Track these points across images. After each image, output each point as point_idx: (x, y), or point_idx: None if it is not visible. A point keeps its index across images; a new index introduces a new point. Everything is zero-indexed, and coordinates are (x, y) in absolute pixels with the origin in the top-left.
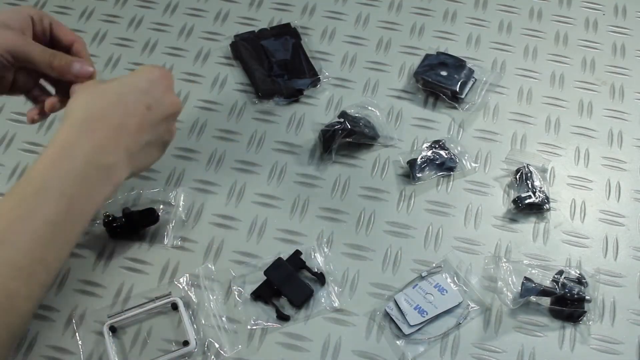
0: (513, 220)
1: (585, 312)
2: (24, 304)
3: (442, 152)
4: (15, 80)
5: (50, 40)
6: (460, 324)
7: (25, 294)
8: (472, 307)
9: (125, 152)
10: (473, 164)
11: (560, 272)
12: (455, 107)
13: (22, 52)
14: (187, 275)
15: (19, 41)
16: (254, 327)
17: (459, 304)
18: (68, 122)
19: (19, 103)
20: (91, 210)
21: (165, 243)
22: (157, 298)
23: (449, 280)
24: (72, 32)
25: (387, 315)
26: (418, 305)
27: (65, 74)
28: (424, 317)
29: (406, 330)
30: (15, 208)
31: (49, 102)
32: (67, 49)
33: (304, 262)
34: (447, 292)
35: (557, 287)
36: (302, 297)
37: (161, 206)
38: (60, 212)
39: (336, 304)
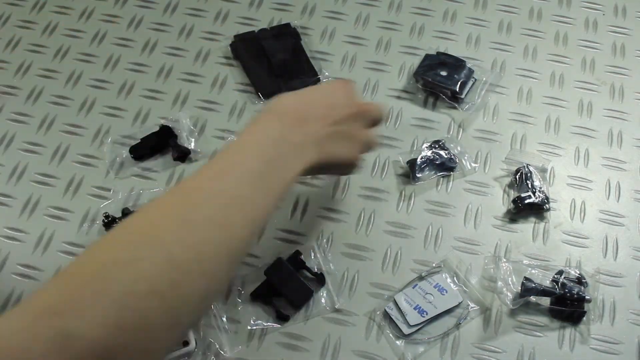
0: (513, 220)
1: (585, 312)
2: (241, 231)
3: (442, 152)
4: None
5: None
6: (460, 324)
7: (240, 222)
8: (472, 307)
9: (311, 136)
10: (473, 164)
11: (560, 272)
12: (455, 107)
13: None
14: None
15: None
16: (254, 327)
17: (459, 304)
18: (262, 114)
19: (19, 103)
20: (283, 182)
21: None
22: None
23: (448, 280)
24: None
25: (387, 315)
26: (418, 305)
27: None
28: (424, 317)
29: (406, 330)
30: (222, 160)
31: None
32: None
33: (304, 262)
34: (446, 292)
35: (557, 287)
36: (302, 297)
37: None
38: (261, 166)
39: (336, 304)
